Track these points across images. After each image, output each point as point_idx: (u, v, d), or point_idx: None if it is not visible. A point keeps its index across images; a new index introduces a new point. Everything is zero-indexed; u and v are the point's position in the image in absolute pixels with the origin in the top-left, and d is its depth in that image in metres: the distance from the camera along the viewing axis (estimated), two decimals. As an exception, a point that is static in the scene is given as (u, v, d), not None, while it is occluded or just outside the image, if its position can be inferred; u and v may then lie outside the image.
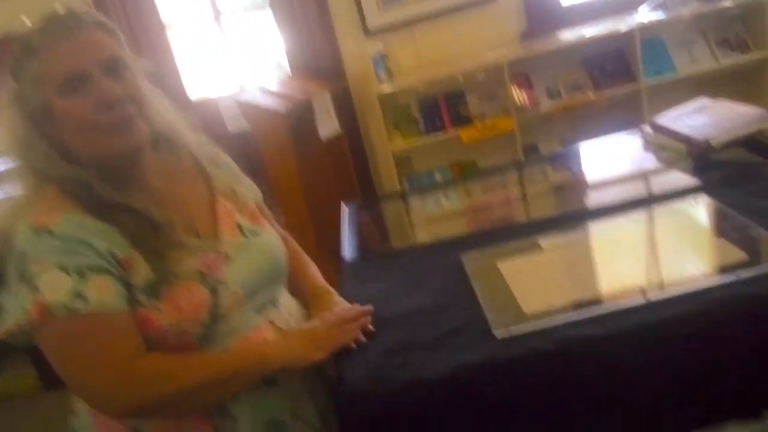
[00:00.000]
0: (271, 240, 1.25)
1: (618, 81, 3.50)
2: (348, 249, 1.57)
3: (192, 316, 1.07)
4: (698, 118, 1.71)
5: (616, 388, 1.02)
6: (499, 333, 1.07)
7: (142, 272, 1.05)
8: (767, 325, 1.01)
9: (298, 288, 1.33)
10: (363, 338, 1.15)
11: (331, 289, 1.32)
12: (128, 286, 1.05)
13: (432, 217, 1.87)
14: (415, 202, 2.04)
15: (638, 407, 1.03)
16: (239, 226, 1.20)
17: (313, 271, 1.37)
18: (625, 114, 3.67)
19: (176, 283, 1.07)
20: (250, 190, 1.29)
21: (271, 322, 1.18)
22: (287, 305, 1.25)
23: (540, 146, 3.62)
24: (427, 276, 1.33)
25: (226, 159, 1.29)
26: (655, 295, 1.07)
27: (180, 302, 1.06)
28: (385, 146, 3.53)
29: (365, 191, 3.60)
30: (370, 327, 1.17)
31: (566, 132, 3.64)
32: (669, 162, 1.69)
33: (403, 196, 2.52)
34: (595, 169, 1.84)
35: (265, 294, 1.20)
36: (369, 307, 1.20)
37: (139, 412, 1.05)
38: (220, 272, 1.12)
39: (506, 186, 1.94)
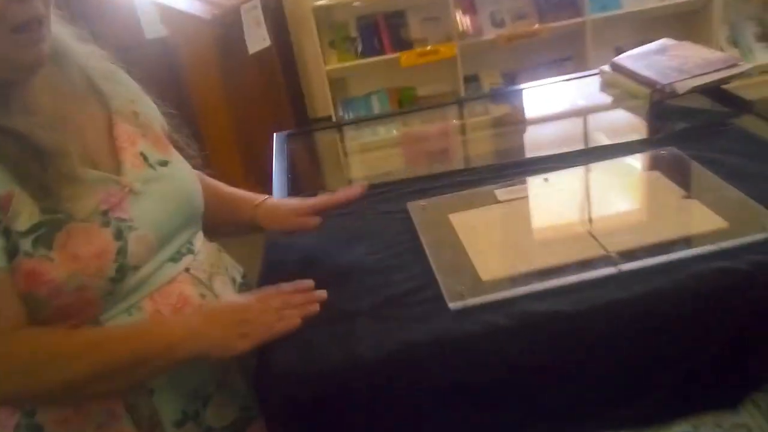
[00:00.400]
0: (183, 172, 1.05)
1: (563, 13, 3.37)
2: (278, 190, 1.39)
3: (93, 266, 0.88)
4: (661, 60, 1.58)
5: (582, 369, 0.91)
6: (454, 304, 0.94)
7: (26, 213, 0.85)
8: (749, 306, 0.91)
9: (224, 213, 1.17)
10: (299, 323, 0.94)
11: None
12: (7, 232, 0.85)
13: (371, 153, 1.70)
14: (351, 134, 1.86)
15: (605, 391, 0.92)
16: (143, 156, 1.00)
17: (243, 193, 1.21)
18: (567, 48, 3.55)
19: (71, 227, 0.88)
20: (155, 113, 1.08)
21: (190, 273, 1.01)
22: (206, 252, 1.07)
23: (481, 77, 3.47)
24: (369, 227, 1.18)
25: (124, 76, 1.07)
26: (626, 265, 0.95)
27: (77, 250, 0.87)
28: (320, 66, 3.30)
29: (297, 114, 3.38)
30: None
31: (508, 63, 3.49)
32: (630, 108, 1.57)
33: (339, 127, 2.33)
34: (552, 110, 1.70)
35: (181, 238, 1.02)
36: (323, 292, 0.99)
37: (14, 402, 0.87)
38: (125, 211, 0.93)
39: (455, 123, 1.78)
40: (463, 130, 1.74)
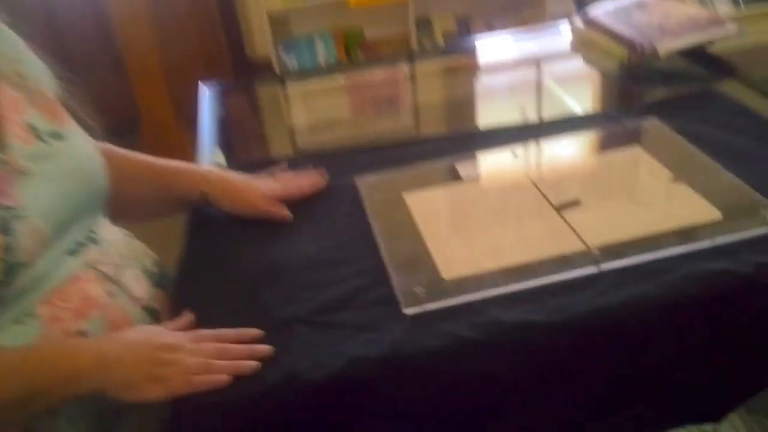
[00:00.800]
0: (82, 146, 0.87)
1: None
2: (206, 152, 1.21)
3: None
4: (640, 16, 1.43)
5: (557, 386, 0.78)
6: (410, 309, 0.79)
7: None
8: (746, 314, 0.80)
9: (155, 190, 1.00)
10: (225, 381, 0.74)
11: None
12: None
13: (316, 112, 1.52)
14: (294, 89, 1.66)
15: (582, 406, 0.80)
16: (32, 127, 0.81)
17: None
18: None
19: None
20: (45, 76, 0.88)
21: (94, 268, 0.84)
22: (112, 240, 0.89)
23: (433, 20, 3.27)
24: (312, 205, 1.02)
25: (4, 29, 0.86)
26: (608, 264, 0.82)
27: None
28: (259, 3, 3.05)
29: (234, 56, 3.13)
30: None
31: (463, 6, 3.30)
32: (605, 70, 1.42)
33: (281, 79, 2.12)
34: (520, 72, 1.53)
35: (80, 226, 0.84)
36: (268, 349, 0.77)
37: None
38: (10, 197, 0.75)
39: (411, 82, 1.61)
40: (420, 89, 1.56)
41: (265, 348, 0.76)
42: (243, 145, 1.37)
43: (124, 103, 2.59)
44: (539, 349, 0.76)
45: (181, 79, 2.54)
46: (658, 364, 0.80)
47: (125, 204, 0.95)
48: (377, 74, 1.60)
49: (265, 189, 1.01)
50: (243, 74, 3.13)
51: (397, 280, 0.83)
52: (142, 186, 0.99)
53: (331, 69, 2.61)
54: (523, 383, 0.78)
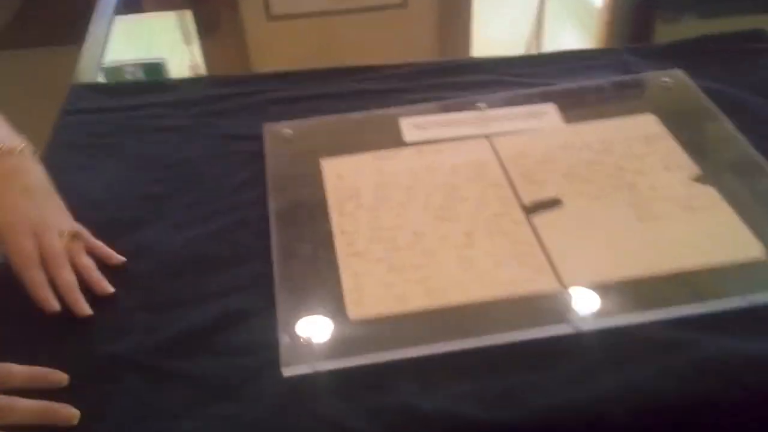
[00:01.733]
0: None
1: None
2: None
3: None
4: None
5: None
6: (289, 369, 0.53)
7: None
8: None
9: None
10: None
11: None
12: None
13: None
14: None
15: None
16: None
17: None
18: None
19: None
20: None
21: None
22: None
23: None
24: (197, 163, 0.73)
25: None
26: (591, 321, 0.56)
27: None
28: None
29: None
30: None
31: None
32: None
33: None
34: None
35: None
36: (68, 410, 0.51)
37: None
38: None
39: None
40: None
41: (64, 412, 0.51)
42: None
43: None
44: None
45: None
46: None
47: None
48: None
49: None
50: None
51: (282, 315, 0.57)
52: None
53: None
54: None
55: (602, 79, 0.84)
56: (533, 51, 1.03)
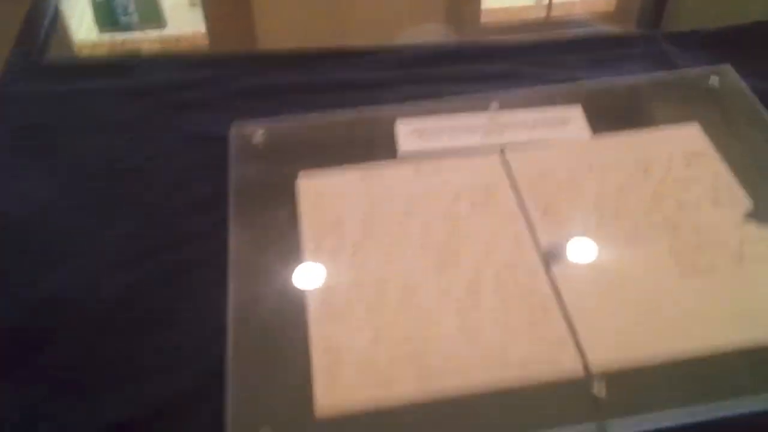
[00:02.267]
0: None
1: None
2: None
3: None
4: None
5: None
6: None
7: None
8: None
9: None
10: None
11: None
12: None
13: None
14: None
15: None
16: None
17: None
18: None
19: None
20: None
21: None
22: None
23: None
24: (154, 174, 0.61)
25: None
26: (624, 423, 0.45)
27: None
28: None
29: None
30: None
31: None
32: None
33: None
34: None
35: None
36: None
37: None
38: None
39: None
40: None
41: None
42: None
43: None
44: None
45: None
46: None
47: None
48: None
49: None
50: None
51: (233, 405, 0.45)
52: None
53: None
54: None
55: (637, 75, 0.70)
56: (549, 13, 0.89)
